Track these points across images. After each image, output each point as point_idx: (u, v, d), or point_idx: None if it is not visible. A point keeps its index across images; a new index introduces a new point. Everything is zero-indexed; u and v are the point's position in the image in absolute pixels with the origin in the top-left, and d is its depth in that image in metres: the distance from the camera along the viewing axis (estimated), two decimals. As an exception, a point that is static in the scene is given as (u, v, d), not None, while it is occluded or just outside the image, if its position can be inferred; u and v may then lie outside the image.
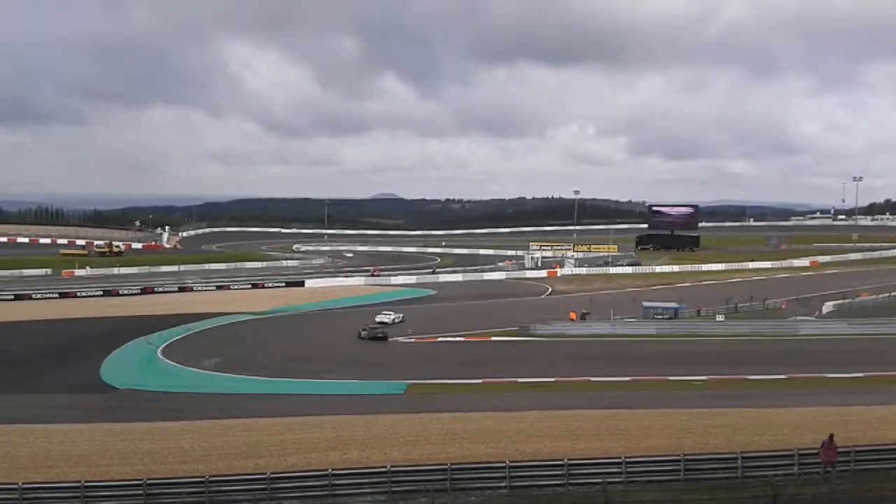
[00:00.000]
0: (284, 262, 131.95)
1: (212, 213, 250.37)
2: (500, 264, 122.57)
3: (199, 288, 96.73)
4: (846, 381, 41.49)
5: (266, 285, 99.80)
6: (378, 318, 65.98)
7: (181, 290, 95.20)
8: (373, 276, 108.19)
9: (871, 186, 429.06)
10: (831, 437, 22.55)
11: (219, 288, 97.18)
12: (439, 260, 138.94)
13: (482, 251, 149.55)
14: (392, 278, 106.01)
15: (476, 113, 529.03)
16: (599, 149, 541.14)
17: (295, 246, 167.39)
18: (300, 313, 75.29)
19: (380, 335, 59.11)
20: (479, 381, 43.01)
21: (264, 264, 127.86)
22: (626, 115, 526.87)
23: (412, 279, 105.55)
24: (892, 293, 75.60)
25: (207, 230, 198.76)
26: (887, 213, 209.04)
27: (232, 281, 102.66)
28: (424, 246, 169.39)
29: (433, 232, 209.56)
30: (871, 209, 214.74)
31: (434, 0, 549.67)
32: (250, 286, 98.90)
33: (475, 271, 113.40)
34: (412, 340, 57.94)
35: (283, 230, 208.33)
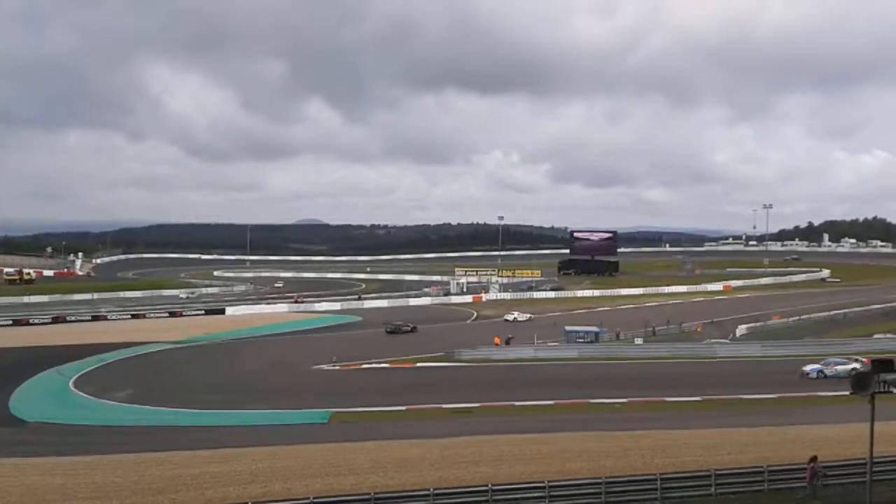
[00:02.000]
0: (204, 290, 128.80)
1: (128, 239, 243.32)
2: (426, 290, 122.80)
3: (114, 316, 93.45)
4: (760, 401, 42.85)
5: (184, 313, 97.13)
6: (506, 317, 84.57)
7: (95, 318, 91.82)
8: (296, 302, 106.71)
9: (780, 213, 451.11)
10: (813, 458, 22.88)
11: (134, 316, 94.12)
12: (364, 286, 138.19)
13: (408, 277, 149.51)
14: (316, 305, 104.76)
15: (404, 139, 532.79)
16: (523, 176, 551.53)
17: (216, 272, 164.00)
18: (220, 342, 73.48)
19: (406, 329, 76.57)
20: (404, 408, 42.74)
21: (183, 292, 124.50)
22: (549, 143, 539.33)
23: (337, 305, 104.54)
24: (802, 316, 78.82)
25: (123, 257, 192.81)
26: (796, 239, 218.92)
27: (148, 309, 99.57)
28: (349, 272, 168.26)
29: (358, 258, 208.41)
30: (781, 235, 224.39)
31: (364, 26, 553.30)
32: (167, 314, 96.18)
33: (401, 297, 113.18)
34: (336, 368, 57.24)
35: (204, 256, 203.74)
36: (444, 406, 42.92)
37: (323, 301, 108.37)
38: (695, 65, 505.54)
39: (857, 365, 46.96)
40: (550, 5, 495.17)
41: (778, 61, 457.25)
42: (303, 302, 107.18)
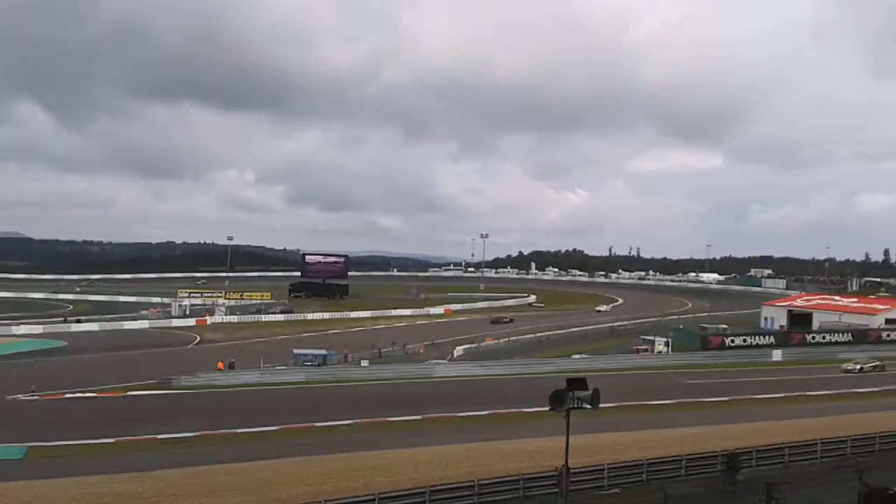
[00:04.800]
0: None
1: None
2: (144, 312, 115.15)
3: None
4: (474, 418, 45.45)
5: None
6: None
7: None
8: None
9: (496, 243, 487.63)
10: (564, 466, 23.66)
11: None
12: (72, 307, 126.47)
13: (123, 298, 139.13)
14: (14, 328, 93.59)
15: (127, 150, 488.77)
16: (258, 196, 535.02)
17: None
18: None
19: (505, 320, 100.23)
20: (112, 440, 39.51)
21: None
22: (286, 164, 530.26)
23: (38, 329, 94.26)
24: (511, 338, 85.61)
25: None
26: (508, 267, 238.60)
27: None
28: (55, 292, 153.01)
29: (66, 276, 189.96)
30: (496, 263, 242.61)
31: (91, 25, 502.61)
32: None
33: (114, 320, 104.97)
34: (34, 398, 51.43)
35: None
36: (160, 436, 40.35)
37: (21, 324, 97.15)
38: (427, 100, 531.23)
39: None
40: (294, 27, 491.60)
41: (501, 104, 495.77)
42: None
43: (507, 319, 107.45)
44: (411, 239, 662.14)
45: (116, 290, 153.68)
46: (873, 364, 63.98)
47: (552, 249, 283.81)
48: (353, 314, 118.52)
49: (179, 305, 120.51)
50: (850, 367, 63.73)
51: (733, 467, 25.81)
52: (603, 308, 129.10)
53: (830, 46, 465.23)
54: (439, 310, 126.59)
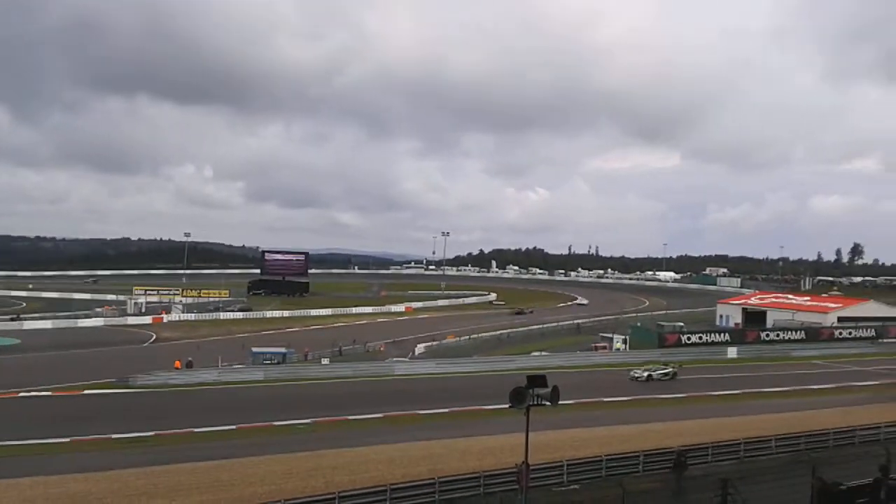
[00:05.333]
0: None
1: None
2: (99, 310, 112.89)
3: None
4: (434, 416, 45.48)
5: None
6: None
7: None
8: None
9: (457, 241, 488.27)
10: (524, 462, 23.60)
11: None
12: (24, 305, 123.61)
13: (77, 295, 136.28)
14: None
15: (82, 145, 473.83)
16: (216, 192, 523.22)
17: None
18: None
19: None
20: (68, 439, 38.71)
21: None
22: (246, 160, 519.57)
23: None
24: (472, 336, 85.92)
25: None
26: (469, 265, 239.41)
27: None
28: (7, 289, 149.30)
29: (19, 273, 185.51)
30: (457, 261, 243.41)
31: (45, 17, 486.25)
32: None
33: (68, 318, 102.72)
34: (-16, 398, 50.21)
35: None
36: (115, 436, 39.62)
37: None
38: (391, 97, 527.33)
39: None
40: (255, 23, 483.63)
41: (464, 103, 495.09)
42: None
43: (530, 311, 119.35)
44: (373, 236, 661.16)
45: (71, 287, 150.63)
46: (664, 371, 58.95)
47: (513, 248, 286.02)
48: (314, 312, 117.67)
49: (135, 303, 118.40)
50: (637, 375, 58.52)
51: (681, 464, 26.25)
52: (584, 301, 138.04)
53: (788, 50, 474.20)
54: (400, 307, 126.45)
